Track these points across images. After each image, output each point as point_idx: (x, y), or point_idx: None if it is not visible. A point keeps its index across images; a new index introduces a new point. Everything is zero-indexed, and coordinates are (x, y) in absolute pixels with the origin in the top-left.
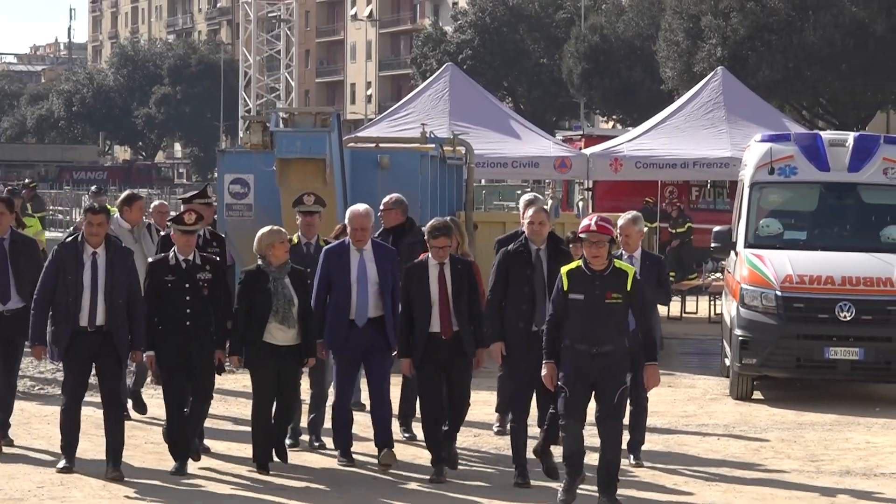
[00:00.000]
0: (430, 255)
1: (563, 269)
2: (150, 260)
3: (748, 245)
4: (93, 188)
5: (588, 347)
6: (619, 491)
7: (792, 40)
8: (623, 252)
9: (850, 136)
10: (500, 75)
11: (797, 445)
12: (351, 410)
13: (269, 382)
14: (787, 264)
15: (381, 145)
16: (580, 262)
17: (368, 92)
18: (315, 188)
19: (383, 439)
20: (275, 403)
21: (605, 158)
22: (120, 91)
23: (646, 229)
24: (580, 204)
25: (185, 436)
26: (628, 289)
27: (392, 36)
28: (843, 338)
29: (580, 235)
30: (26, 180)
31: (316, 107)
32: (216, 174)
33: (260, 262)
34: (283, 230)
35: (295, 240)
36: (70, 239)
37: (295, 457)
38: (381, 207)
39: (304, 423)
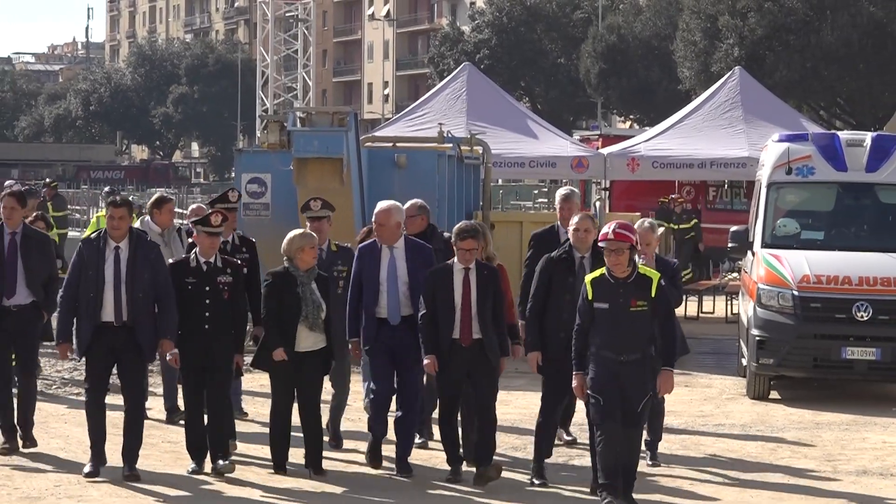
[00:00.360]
0: (455, 259)
1: (588, 278)
2: (170, 261)
3: (765, 245)
4: (106, 189)
5: (615, 355)
6: (636, 491)
7: (810, 40)
8: (640, 258)
9: (868, 136)
10: (518, 75)
11: (814, 445)
12: (389, 398)
13: (289, 386)
14: (804, 264)
15: (398, 145)
16: (604, 270)
17: (385, 91)
18: (332, 188)
19: (402, 450)
20: (299, 412)
21: (623, 158)
22: (137, 90)
23: (662, 230)
24: (597, 204)
25: (200, 437)
26: (652, 295)
27: (409, 35)
28: (860, 338)
29: (599, 244)
30: (47, 179)
31: (333, 106)
32: (233, 173)
33: (287, 264)
34: (314, 235)
35: (333, 246)
36: (94, 234)
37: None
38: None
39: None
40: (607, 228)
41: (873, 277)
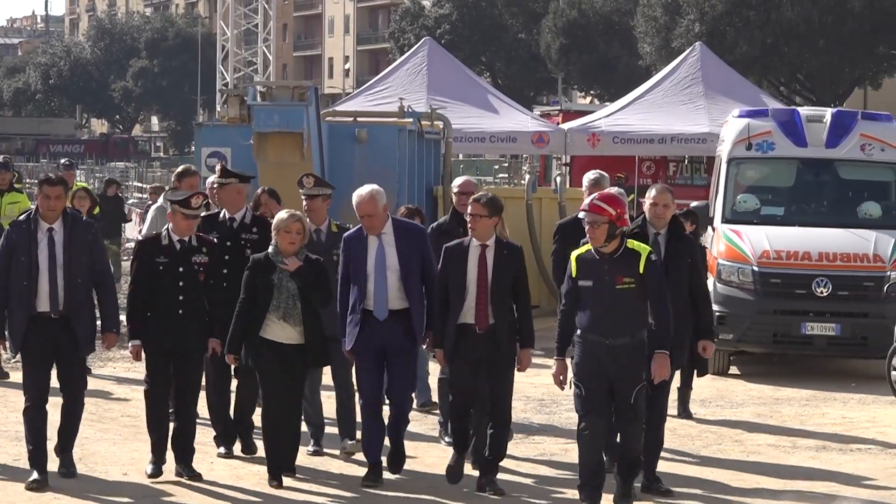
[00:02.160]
0: (472, 237)
1: (574, 254)
2: (138, 237)
3: (725, 220)
4: (63, 161)
5: (601, 338)
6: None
7: (770, 16)
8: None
9: (828, 112)
10: (478, 50)
11: (773, 420)
12: (381, 423)
13: (278, 383)
14: (764, 240)
15: (358, 119)
16: (590, 246)
17: (346, 66)
18: (292, 163)
19: (395, 455)
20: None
21: (583, 133)
22: (97, 64)
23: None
24: (557, 179)
25: (162, 428)
26: (640, 271)
27: (370, 10)
28: (820, 313)
29: (579, 215)
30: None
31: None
32: (193, 148)
33: (271, 249)
34: (300, 219)
35: (333, 227)
36: (24, 216)
37: (319, 462)
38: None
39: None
40: (587, 198)
41: (833, 253)
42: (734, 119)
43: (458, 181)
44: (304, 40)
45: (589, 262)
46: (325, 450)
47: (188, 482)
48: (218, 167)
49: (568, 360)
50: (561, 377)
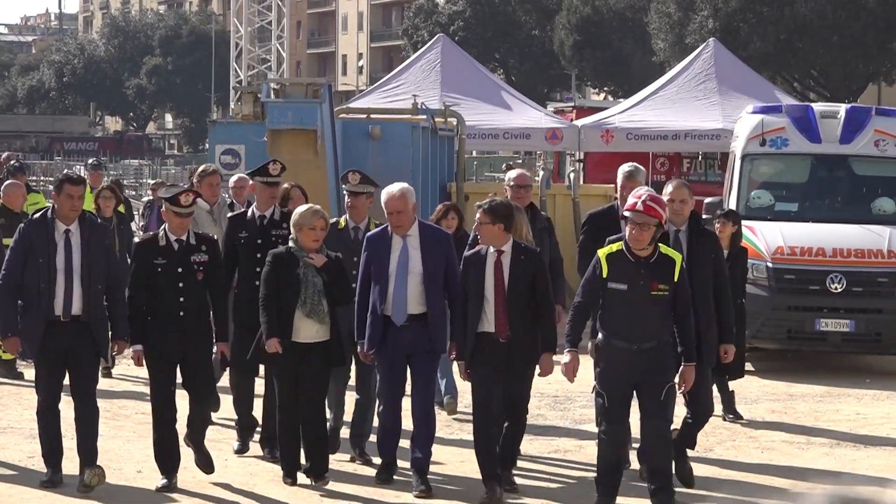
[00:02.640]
0: (487, 245)
1: (602, 252)
2: (136, 240)
3: (740, 217)
4: (91, 161)
5: (628, 344)
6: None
7: (784, 12)
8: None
9: (842, 108)
10: (492, 47)
11: (788, 417)
12: (398, 422)
13: (293, 383)
14: (778, 236)
15: (372, 116)
16: (621, 245)
17: (360, 63)
18: (306, 159)
19: (419, 465)
20: (299, 409)
21: (597, 130)
22: (111, 62)
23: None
24: (571, 175)
25: (172, 446)
26: (675, 279)
27: (384, 7)
28: (834, 309)
29: (625, 213)
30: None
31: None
32: (207, 145)
33: (291, 244)
34: (324, 213)
35: (342, 223)
36: (38, 215)
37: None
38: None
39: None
40: (636, 198)
41: (847, 249)
42: (748, 115)
43: (512, 174)
44: (318, 37)
45: (623, 264)
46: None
47: (203, 479)
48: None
49: (582, 357)
50: (571, 370)
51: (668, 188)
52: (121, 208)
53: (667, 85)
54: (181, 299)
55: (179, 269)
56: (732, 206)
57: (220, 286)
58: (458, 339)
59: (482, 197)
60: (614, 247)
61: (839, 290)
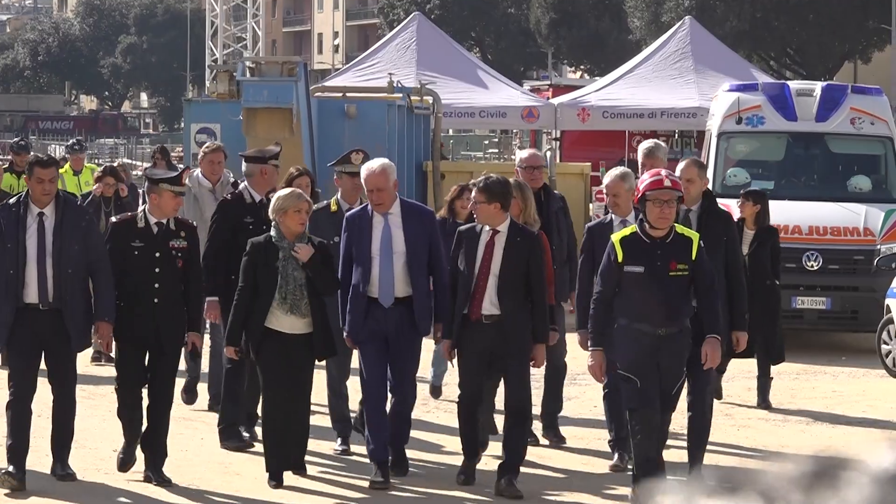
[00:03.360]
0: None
1: (616, 237)
2: (112, 220)
3: (715, 194)
4: (71, 142)
5: (652, 328)
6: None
7: None
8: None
9: (818, 86)
10: (468, 25)
11: None
12: (384, 409)
13: (281, 376)
14: None
15: (348, 95)
16: (635, 228)
17: (335, 42)
18: (282, 138)
19: (392, 451)
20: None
21: (573, 108)
22: (86, 40)
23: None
24: (548, 154)
25: (135, 428)
26: (693, 258)
27: None
28: (810, 287)
29: (647, 192)
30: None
31: (283, 56)
32: (183, 124)
33: (273, 232)
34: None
35: (334, 206)
36: (13, 199)
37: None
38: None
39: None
40: (654, 176)
41: (823, 227)
42: (724, 93)
43: (523, 154)
44: (294, 16)
45: (638, 246)
46: (353, 447)
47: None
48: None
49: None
50: (599, 369)
51: (680, 166)
52: (121, 191)
53: (643, 63)
54: (156, 285)
55: (157, 254)
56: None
57: (196, 274)
58: (444, 320)
59: (458, 176)
60: (627, 231)
61: (815, 268)
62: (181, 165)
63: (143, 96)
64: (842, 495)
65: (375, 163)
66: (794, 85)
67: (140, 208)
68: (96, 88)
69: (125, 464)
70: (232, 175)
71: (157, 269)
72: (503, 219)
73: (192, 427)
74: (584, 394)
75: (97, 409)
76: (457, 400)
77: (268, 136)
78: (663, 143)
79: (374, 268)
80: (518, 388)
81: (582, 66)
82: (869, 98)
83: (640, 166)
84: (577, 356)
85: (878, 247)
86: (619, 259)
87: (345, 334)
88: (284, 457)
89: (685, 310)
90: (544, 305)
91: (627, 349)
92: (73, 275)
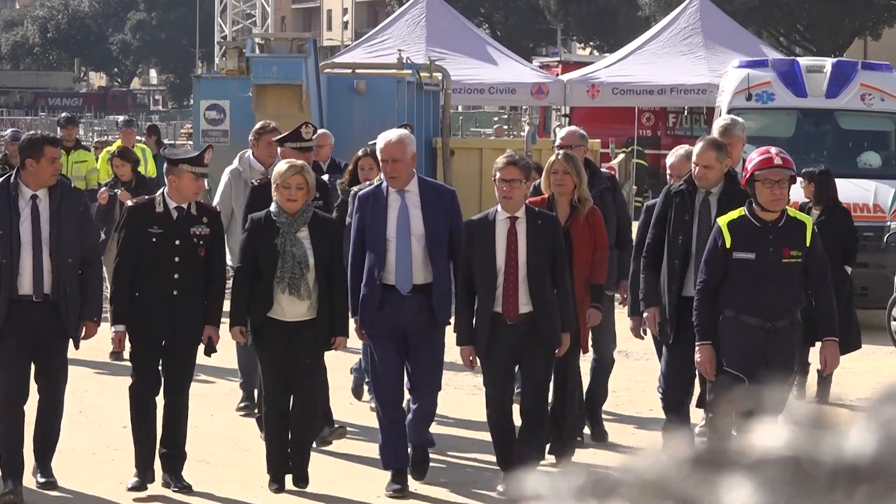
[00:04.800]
0: (498, 207)
1: (723, 220)
2: (128, 203)
3: None
4: (63, 115)
5: (761, 321)
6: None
7: None
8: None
9: (828, 63)
10: (477, 1)
11: None
12: (401, 411)
13: (280, 368)
14: None
15: (357, 71)
16: (743, 211)
17: (345, 18)
18: (291, 114)
19: (420, 437)
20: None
21: (583, 85)
22: (95, 17)
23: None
24: (557, 130)
25: (150, 433)
26: (808, 244)
27: None
28: None
29: (754, 174)
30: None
31: (292, 33)
32: (192, 101)
33: (272, 208)
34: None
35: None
36: (2, 179)
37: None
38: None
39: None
40: (762, 154)
41: None
42: (734, 69)
43: (561, 132)
44: None
45: (748, 231)
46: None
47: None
48: (308, 129)
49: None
50: (710, 365)
51: (697, 147)
52: (140, 169)
53: (653, 39)
54: (176, 276)
55: (177, 242)
56: None
57: (218, 264)
58: (461, 322)
59: (467, 152)
60: (735, 213)
61: None
62: (189, 144)
63: (153, 73)
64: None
65: (393, 133)
66: (804, 61)
67: (159, 191)
68: (105, 65)
69: (139, 489)
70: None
71: (176, 259)
72: (523, 202)
73: (202, 403)
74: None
75: (108, 385)
76: (486, 409)
77: (277, 113)
78: (740, 119)
79: (391, 252)
80: (538, 391)
81: (591, 43)
82: (879, 74)
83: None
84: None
85: (889, 223)
86: (728, 244)
87: (354, 326)
88: (286, 458)
89: (798, 301)
90: (568, 292)
91: (734, 344)
92: (72, 265)
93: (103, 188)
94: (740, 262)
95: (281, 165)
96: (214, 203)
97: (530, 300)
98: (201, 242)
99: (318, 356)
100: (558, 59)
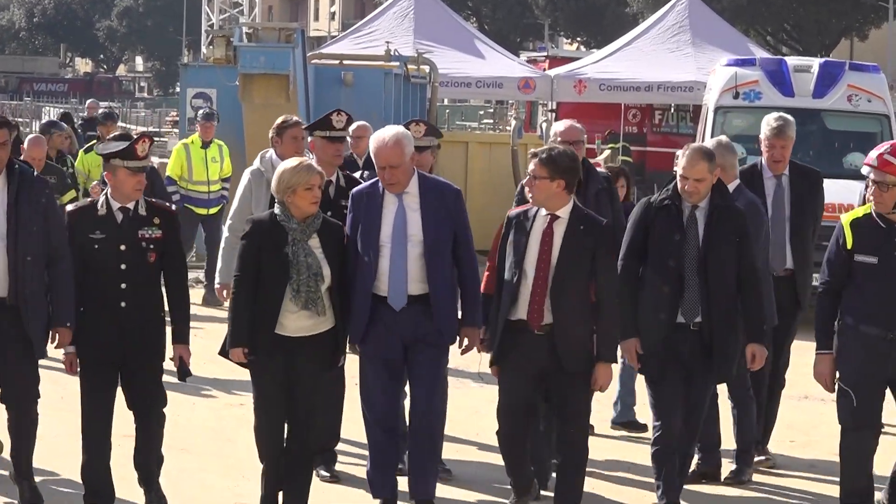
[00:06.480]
0: (538, 205)
1: (846, 219)
2: (69, 208)
3: None
4: (203, 111)
5: (882, 331)
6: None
7: None
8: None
9: (816, 63)
10: None
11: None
12: (394, 436)
13: (277, 389)
14: None
15: (344, 62)
16: (869, 209)
17: (332, 9)
18: (278, 104)
19: (421, 488)
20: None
21: (570, 80)
22: (81, 2)
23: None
24: (544, 125)
25: (104, 476)
26: None
27: None
28: None
29: (862, 171)
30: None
31: (280, 22)
32: (178, 88)
33: (277, 210)
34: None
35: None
36: None
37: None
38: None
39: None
40: (875, 150)
41: None
42: (721, 68)
43: (559, 126)
44: None
45: (871, 232)
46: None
47: None
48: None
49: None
50: (829, 377)
51: (682, 160)
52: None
53: (641, 36)
54: (123, 286)
55: (122, 247)
56: None
57: (178, 271)
58: (474, 325)
59: (453, 146)
60: (860, 211)
61: None
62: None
63: (139, 60)
64: None
65: (388, 132)
66: (791, 61)
67: (102, 192)
68: (91, 51)
69: None
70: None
71: (122, 266)
72: (565, 201)
73: (184, 392)
74: None
75: None
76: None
77: (264, 102)
78: (790, 118)
79: (384, 258)
80: (577, 418)
81: (579, 38)
82: (866, 75)
83: (764, 146)
84: None
85: None
86: (849, 245)
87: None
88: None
89: None
90: (614, 314)
91: (851, 356)
92: (32, 263)
93: (95, 183)
94: (861, 266)
95: (293, 167)
96: (233, 208)
97: (552, 310)
98: (151, 246)
99: (321, 379)
100: (546, 54)
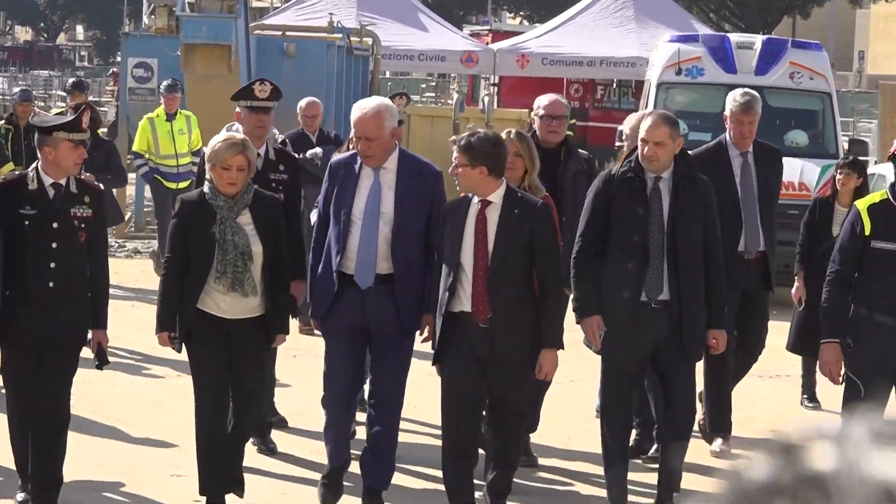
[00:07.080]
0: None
1: (862, 204)
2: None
3: None
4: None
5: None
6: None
7: None
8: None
9: (758, 40)
10: None
11: None
12: (346, 415)
13: (217, 374)
14: None
15: (287, 34)
16: (885, 194)
17: None
18: (220, 75)
19: (374, 476)
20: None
21: (512, 54)
22: None
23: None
24: (485, 99)
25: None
26: None
27: None
28: None
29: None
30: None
31: None
32: (119, 58)
33: (206, 188)
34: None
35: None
36: None
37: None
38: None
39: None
40: None
41: None
42: (664, 44)
43: (542, 101)
44: None
45: (889, 217)
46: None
47: None
48: (264, 86)
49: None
50: (834, 367)
51: (645, 123)
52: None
53: (584, 11)
54: (52, 265)
55: (54, 224)
56: None
57: (101, 252)
58: (433, 314)
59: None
60: (876, 196)
61: None
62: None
63: (79, 28)
64: None
65: (370, 102)
66: (734, 37)
67: (32, 165)
68: (31, 19)
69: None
70: (278, 132)
71: (53, 245)
72: (495, 186)
73: (122, 364)
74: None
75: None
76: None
77: (206, 73)
78: (756, 93)
79: (353, 235)
80: (512, 411)
81: (522, 13)
82: (809, 53)
83: (730, 122)
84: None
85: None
86: (867, 232)
87: (310, 313)
88: (224, 477)
89: None
90: (558, 300)
91: (863, 346)
92: None
93: None
94: (878, 253)
95: (219, 143)
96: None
97: (488, 300)
98: (82, 226)
99: (260, 361)
100: (489, 28)
